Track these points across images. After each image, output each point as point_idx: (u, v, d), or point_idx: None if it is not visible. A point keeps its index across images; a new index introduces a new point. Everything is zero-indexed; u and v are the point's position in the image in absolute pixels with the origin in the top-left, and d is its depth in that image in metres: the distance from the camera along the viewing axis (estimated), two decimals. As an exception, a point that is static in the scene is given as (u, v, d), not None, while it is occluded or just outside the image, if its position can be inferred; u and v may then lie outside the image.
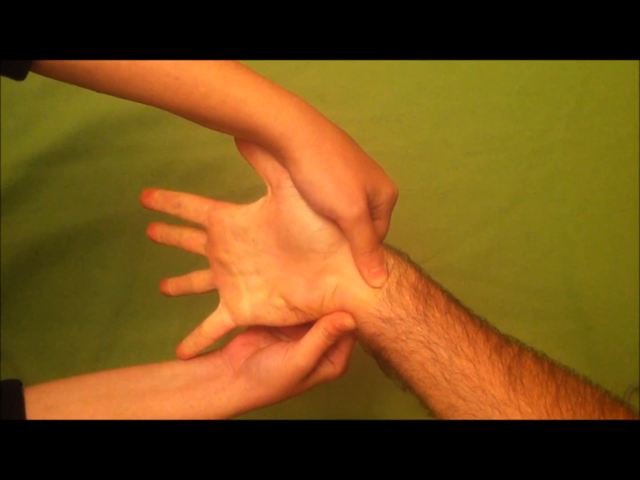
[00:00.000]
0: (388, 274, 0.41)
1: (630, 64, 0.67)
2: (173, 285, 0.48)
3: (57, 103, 0.62)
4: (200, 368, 0.44)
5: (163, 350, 0.61)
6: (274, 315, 0.43)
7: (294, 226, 0.41)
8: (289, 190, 0.41)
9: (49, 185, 0.62)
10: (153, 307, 0.62)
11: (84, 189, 0.63)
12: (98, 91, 0.38)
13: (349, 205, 0.39)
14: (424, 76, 0.66)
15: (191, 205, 0.45)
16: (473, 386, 0.38)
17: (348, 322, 0.40)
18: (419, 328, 0.40)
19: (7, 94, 0.62)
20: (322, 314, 0.42)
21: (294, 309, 0.43)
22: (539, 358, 0.40)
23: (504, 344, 0.40)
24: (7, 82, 0.61)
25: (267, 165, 0.42)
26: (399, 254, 0.43)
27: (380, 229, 0.43)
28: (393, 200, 0.43)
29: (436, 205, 0.65)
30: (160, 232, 0.47)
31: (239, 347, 0.44)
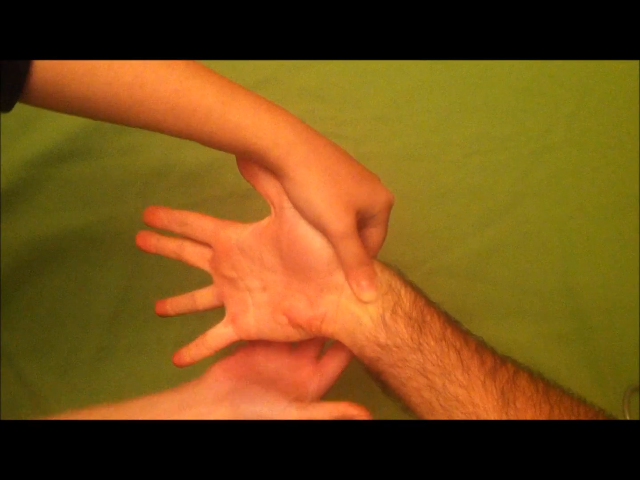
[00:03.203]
0: (377, 289, 0.42)
1: (630, 64, 0.67)
2: (173, 304, 0.48)
3: (57, 103, 0.62)
4: (185, 395, 0.45)
5: (163, 351, 0.62)
6: (278, 332, 0.44)
7: (295, 245, 0.42)
8: (290, 210, 0.41)
9: (49, 185, 0.62)
10: (153, 307, 0.62)
11: (84, 189, 0.63)
12: (99, 120, 0.38)
13: (335, 222, 0.40)
14: (424, 76, 0.66)
15: (197, 223, 0.46)
16: (467, 412, 0.39)
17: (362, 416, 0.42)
18: (414, 356, 0.40)
19: (7, 94, 0.61)
20: (323, 333, 0.43)
21: (297, 326, 0.43)
22: (534, 378, 0.40)
23: (499, 366, 0.40)
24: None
25: (269, 187, 0.42)
26: (397, 276, 0.43)
27: (376, 237, 0.44)
28: (388, 209, 0.43)
29: (436, 205, 0.65)
30: (156, 242, 0.48)
31: (220, 373, 0.45)
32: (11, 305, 0.62)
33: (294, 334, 0.44)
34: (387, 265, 0.44)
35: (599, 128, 0.67)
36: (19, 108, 0.62)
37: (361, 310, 0.42)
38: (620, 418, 0.61)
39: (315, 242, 0.41)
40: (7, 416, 0.59)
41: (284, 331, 0.44)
